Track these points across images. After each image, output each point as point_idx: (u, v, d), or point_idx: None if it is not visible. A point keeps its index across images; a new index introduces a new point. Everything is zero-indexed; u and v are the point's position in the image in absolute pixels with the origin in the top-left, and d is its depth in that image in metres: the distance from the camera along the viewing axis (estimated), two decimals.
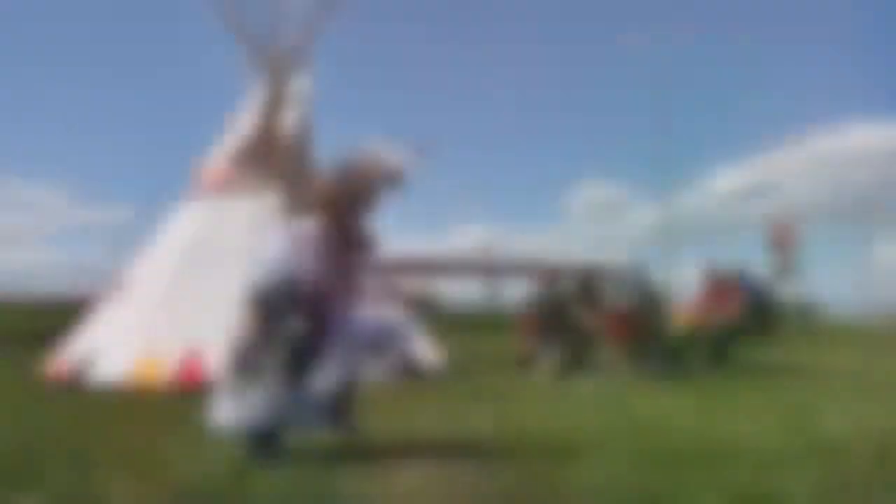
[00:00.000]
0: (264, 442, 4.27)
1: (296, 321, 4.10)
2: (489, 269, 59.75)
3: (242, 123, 10.37)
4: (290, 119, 10.36)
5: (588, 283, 10.25)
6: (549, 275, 9.66)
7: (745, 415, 5.88)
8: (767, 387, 7.47)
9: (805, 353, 12.26)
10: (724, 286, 9.64)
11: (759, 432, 5.10)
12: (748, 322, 8.97)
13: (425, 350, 9.86)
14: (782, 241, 37.15)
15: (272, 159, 10.35)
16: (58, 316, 20.12)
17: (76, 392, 8.09)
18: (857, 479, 3.82)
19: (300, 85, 10.41)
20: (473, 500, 3.59)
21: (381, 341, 4.39)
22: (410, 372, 9.02)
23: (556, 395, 7.28)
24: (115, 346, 8.92)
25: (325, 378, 4.15)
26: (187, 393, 7.69)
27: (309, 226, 4.34)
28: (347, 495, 3.67)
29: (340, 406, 4.35)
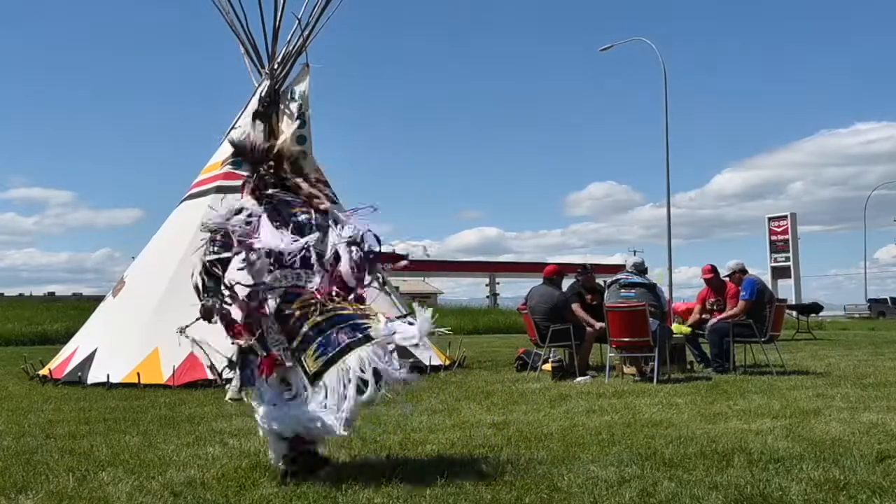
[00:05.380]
0: None
1: None
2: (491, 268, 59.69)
3: (242, 124, 10.35)
4: (289, 120, 10.34)
5: (589, 283, 10.23)
6: (550, 273, 9.64)
7: (746, 415, 5.87)
8: (768, 387, 7.46)
9: (805, 353, 12.26)
10: (725, 285, 9.61)
11: (759, 432, 5.09)
12: (749, 321, 8.93)
13: (425, 349, 9.85)
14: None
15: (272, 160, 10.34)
16: (58, 316, 20.15)
17: (76, 391, 8.09)
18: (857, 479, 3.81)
19: (300, 86, 10.39)
20: (473, 499, 3.58)
21: None
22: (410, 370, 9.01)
23: (556, 395, 7.26)
24: (116, 346, 8.91)
25: None
26: (187, 392, 7.70)
27: None
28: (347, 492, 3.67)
29: None
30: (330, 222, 4.31)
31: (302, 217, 4.26)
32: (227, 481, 3.93)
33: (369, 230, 4.31)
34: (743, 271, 9.36)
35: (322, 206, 4.35)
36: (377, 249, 4.31)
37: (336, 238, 4.22)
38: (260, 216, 4.21)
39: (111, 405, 6.98)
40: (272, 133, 10.36)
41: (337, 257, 4.19)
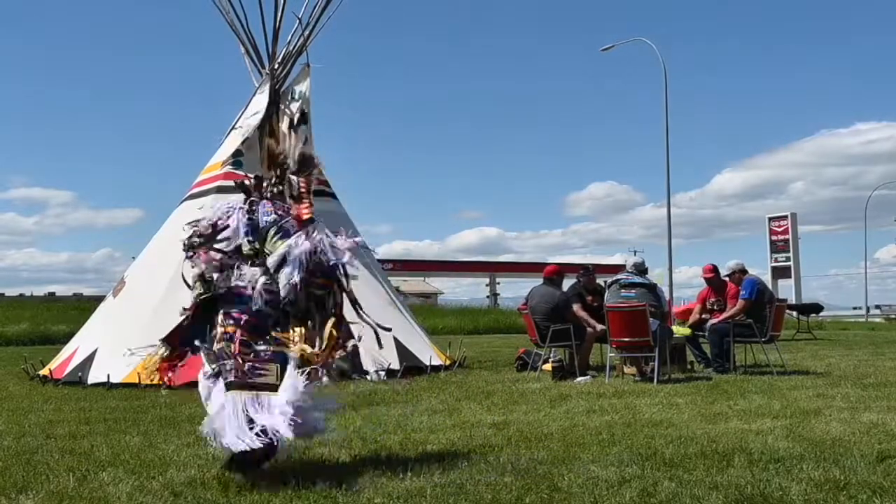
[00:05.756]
0: None
1: None
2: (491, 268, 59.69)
3: (243, 124, 10.36)
4: (289, 119, 10.34)
5: (590, 284, 10.22)
6: (550, 273, 9.64)
7: (746, 415, 5.87)
8: (768, 387, 7.46)
9: (805, 353, 12.26)
10: (726, 285, 9.61)
11: (759, 432, 5.09)
12: (749, 321, 8.93)
13: (425, 349, 9.86)
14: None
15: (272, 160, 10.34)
16: (58, 316, 20.16)
17: (77, 391, 8.09)
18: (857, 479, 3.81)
19: (300, 85, 10.39)
20: (473, 499, 3.59)
21: None
22: (411, 370, 9.02)
23: (556, 395, 7.26)
24: (116, 346, 8.91)
25: None
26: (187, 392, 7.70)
27: None
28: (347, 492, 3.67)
29: None
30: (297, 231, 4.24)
31: (269, 217, 4.29)
32: (228, 481, 3.93)
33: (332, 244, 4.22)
34: (743, 271, 9.36)
35: (305, 216, 4.30)
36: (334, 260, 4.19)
37: (293, 242, 4.16)
38: (236, 209, 4.32)
39: (111, 405, 6.98)
40: (272, 134, 10.37)
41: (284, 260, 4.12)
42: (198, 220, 4.38)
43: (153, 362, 4.27)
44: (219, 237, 4.26)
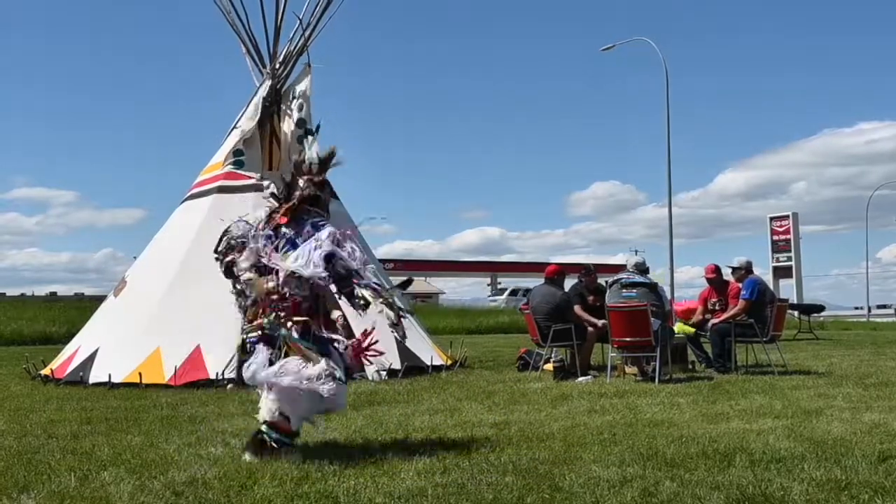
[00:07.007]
0: None
1: None
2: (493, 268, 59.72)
3: (244, 124, 10.35)
4: (290, 119, 10.34)
5: (592, 284, 10.22)
6: (551, 273, 9.63)
7: (747, 415, 5.87)
8: (769, 387, 7.46)
9: (807, 353, 12.25)
10: (727, 285, 9.61)
11: (760, 432, 5.09)
12: (750, 321, 8.92)
13: (427, 349, 9.85)
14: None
15: (273, 159, 10.35)
16: (59, 315, 20.15)
17: (78, 391, 8.09)
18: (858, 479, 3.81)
19: (300, 85, 10.39)
20: (473, 499, 3.58)
21: None
22: (412, 370, 9.02)
23: (557, 394, 7.26)
24: (117, 346, 8.92)
25: None
26: (188, 392, 7.71)
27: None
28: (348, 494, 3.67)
29: None
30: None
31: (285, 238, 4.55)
32: (229, 481, 3.93)
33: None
34: (749, 270, 9.35)
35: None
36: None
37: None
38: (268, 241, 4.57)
39: (113, 405, 6.98)
40: (273, 134, 10.38)
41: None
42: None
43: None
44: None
